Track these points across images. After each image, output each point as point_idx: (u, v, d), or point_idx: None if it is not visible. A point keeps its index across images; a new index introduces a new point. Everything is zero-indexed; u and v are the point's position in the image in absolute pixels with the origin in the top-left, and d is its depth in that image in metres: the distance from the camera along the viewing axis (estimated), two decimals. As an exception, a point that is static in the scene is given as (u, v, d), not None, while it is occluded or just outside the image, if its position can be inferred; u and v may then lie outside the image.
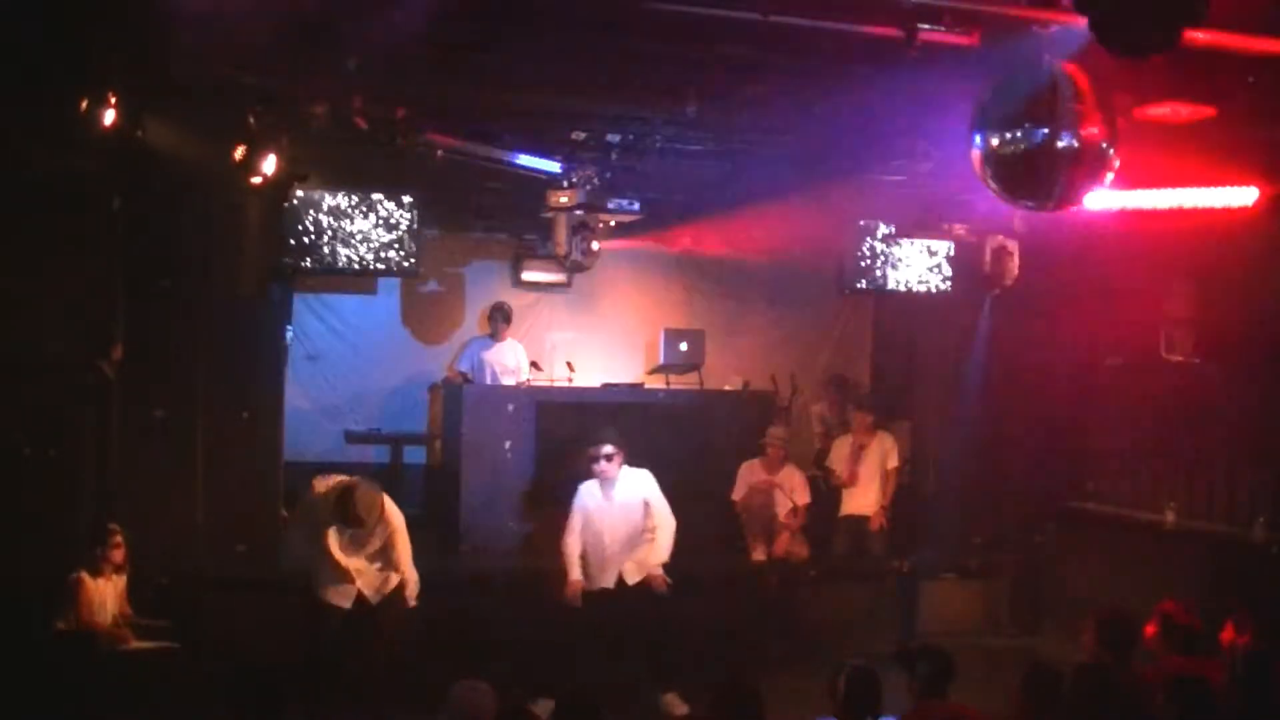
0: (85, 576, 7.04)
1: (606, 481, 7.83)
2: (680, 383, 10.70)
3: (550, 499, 9.42)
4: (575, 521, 7.81)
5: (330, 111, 7.48)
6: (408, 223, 9.35)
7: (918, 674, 4.87)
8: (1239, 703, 4.93)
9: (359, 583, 7.32)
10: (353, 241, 9.26)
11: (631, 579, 7.82)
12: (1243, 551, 8.48)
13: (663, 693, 7.71)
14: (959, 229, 9.37)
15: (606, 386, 10.33)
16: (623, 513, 7.84)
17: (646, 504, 7.84)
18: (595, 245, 9.25)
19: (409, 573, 7.41)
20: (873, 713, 4.62)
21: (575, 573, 7.74)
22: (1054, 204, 5.21)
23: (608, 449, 7.78)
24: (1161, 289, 9.38)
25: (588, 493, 7.87)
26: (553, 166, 8.78)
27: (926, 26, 5.53)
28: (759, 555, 9.53)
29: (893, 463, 10.01)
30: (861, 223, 10.40)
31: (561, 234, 9.14)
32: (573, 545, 7.77)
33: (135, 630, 7.16)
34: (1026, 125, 5.00)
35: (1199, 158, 7.69)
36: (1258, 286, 8.48)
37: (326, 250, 9.21)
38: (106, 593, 7.13)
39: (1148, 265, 9.18)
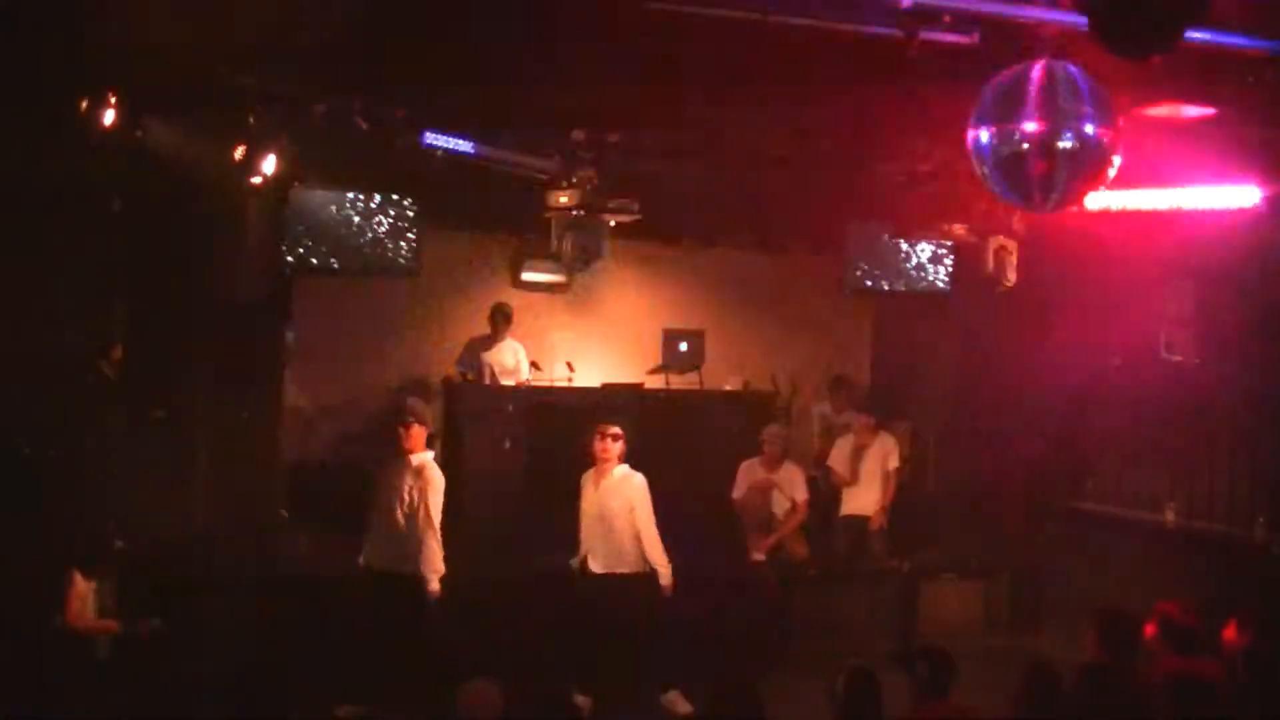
0: (78, 576, 7.04)
1: (602, 464, 7.90)
2: (680, 383, 10.69)
3: (550, 498, 9.43)
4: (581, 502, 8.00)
5: (330, 111, 7.47)
6: (408, 223, 9.34)
7: (918, 674, 4.87)
8: (1239, 703, 4.93)
9: (370, 536, 7.41)
10: (353, 241, 9.26)
11: (600, 569, 7.88)
12: (1243, 551, 8.48)
13: (664, 691, 7.72)
14: (959, 229, 9.35)
15: (606, 386, 10.33)
16: (606, 504, 7.87)
17: (632, 509, 7.83)
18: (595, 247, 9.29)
19: (432, 548, 7.28)
20: (873, 713, 4.62)
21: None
22: (1054, 204, 5.22)
23: (614, 429, 7.88)
24: (1161, 289, 9.39)
25: (585, 477, 8.00)
26: (553, 166, 8.79)
27: (926, 27, 5.53)
28: (759, 555, 9.53)
29: (893, 463, 10.01)
30: (861, 223, 10.39)
31: (560, 234, 9.15)
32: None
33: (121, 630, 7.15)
34: (1027, 125, 5.00)
35: (1199, 158, 7.69)
36: (1258, 286, 8.48)
37: (326, 250, 9.20)
38: (97, 592, 7.13)
39: (1148, 265, 9.18)
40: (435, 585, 7.29)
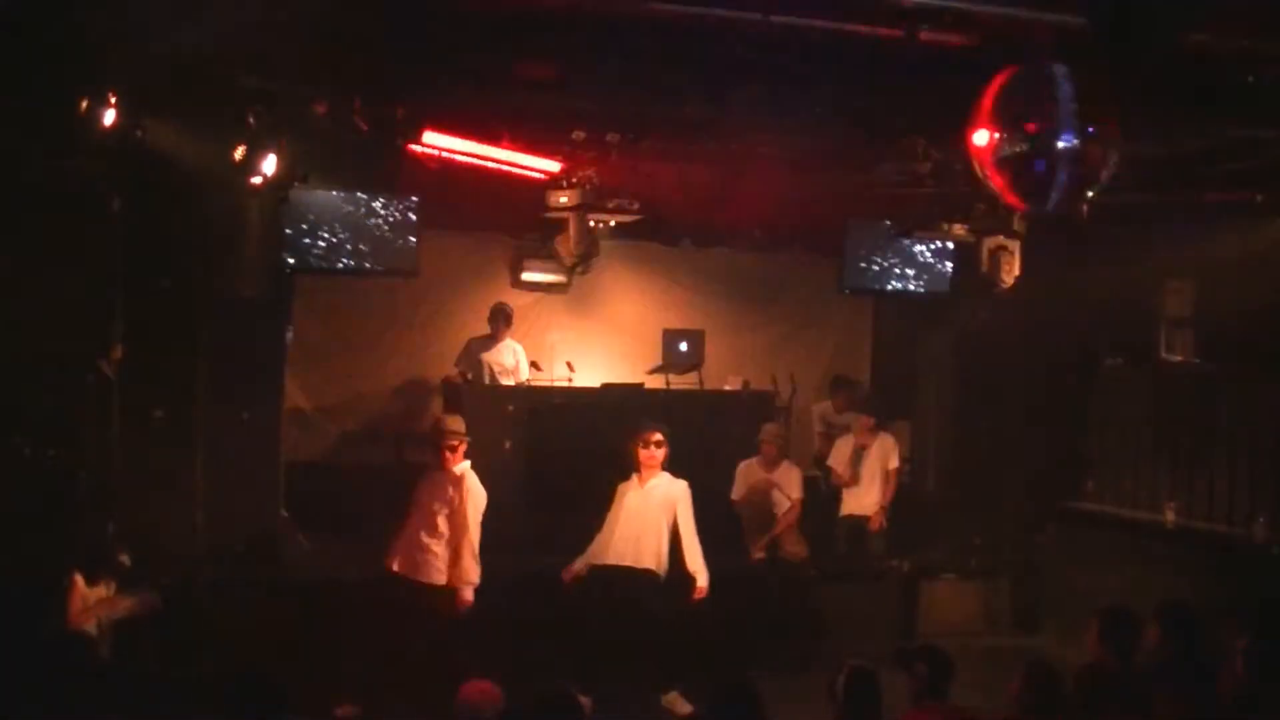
0: (79, 580, 7.03)
1: (646, 471, 7.82)
2: (680, 383, 10.69)
3: (550, 499, 9.43)
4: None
5: (330, 111, 7.48)
6: (408, 223, 9.34)
7: (918, 674, 4.87)
8: (1240, 702, 4.93)
9: (402, 538, 7.41)
10: (352, 241, 9.25)
11: (610, 561, 7.80)
12: (1243, 551, 8.49)
13: (664, 692, 7.72)
14: (959, 229, 9.36)
15: (606, 386, 10.33)
16: (645, 507, 7.79)
17: (672, 513, 7.78)
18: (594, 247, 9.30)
19: (466, 559, 7.36)
20: (873, 713, 4.63)
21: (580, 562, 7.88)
22: (1054, 204, 5.22)
23: (658, 436, 7.81)
24: (1161, 289, 9.40)
25: (624, 485, 7.88)
26: (553, 166, 8.79)
27: (926, 26, 5.53)
28: (759, 555, 9.53)
29: (893, 463, 10.01)
30: (861, 223, 10.40)
31: (569, 235, 9.16)
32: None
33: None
34: (1026, 125, 5.01)
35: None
36: (1258, 286, 8.49)
37: (326, 250, 9.20)
38: (98, 598, 7.11)
39: (1148, 265, 9.19)
40: (469, 595, 7.39)
